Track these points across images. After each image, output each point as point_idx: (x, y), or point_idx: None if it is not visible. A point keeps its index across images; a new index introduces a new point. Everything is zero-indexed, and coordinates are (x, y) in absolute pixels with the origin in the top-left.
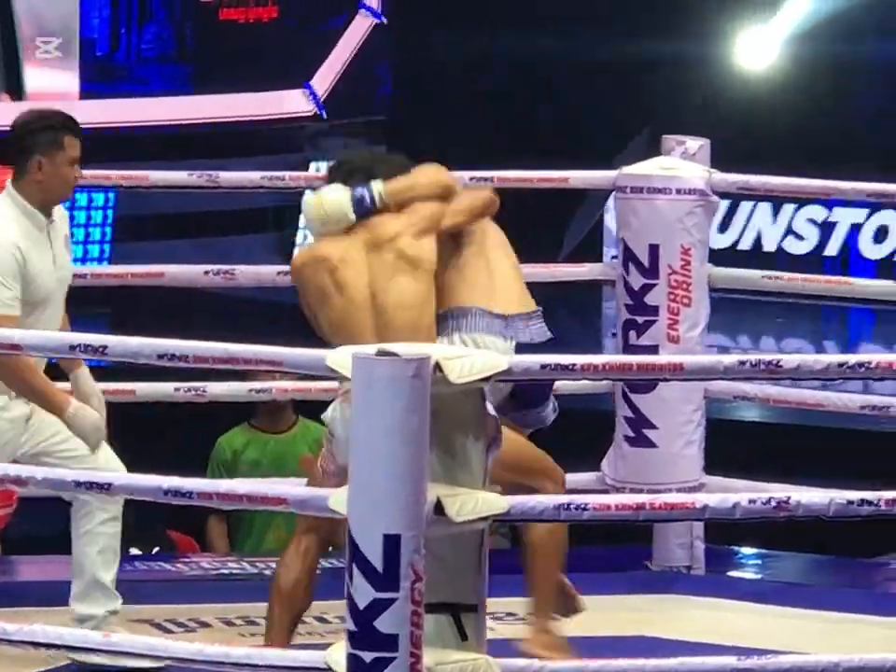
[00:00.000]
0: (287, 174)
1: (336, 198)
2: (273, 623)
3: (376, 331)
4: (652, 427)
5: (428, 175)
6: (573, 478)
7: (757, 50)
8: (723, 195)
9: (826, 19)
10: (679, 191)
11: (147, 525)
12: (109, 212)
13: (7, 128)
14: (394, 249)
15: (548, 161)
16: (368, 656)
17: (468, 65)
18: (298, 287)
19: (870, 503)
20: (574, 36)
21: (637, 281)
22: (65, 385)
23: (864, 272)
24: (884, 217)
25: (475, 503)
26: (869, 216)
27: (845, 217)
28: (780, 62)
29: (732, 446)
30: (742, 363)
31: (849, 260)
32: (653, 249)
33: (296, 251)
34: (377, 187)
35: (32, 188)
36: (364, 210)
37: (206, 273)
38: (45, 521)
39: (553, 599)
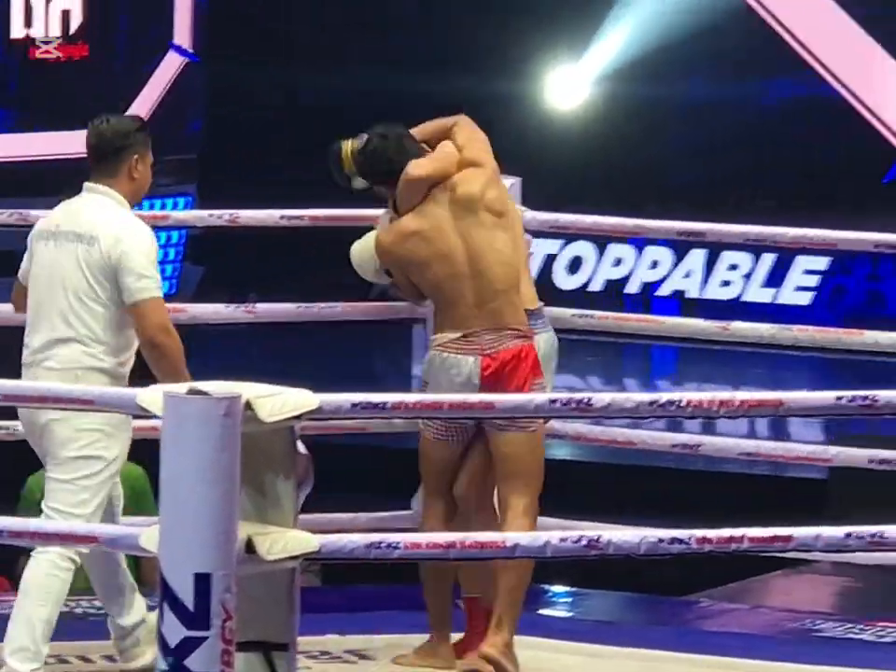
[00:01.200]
0: None
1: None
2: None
3: (477, 293)
4: None
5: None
6: (385, 516)
7: (567, 90)
8: (536, 234)
9: (635, 59)
10: None
11: None
12: None
13: None
14: (484, 207)
15: (359, 198)
16: None
17: (278, 103)
18: (390, 266)
19: (680, 541)
20: (385, 74)
21: None
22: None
23: (666, 310)
24: (692, 257)
25: (286, 541)
26: (677, 255)
27: (648, 256)
28: (590, 101)
29: (543, 484)
30: (553, 401)
31: (650, 299)
32: None
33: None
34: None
35: (125, 186)
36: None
37: None
38: None
39: (517, 614)
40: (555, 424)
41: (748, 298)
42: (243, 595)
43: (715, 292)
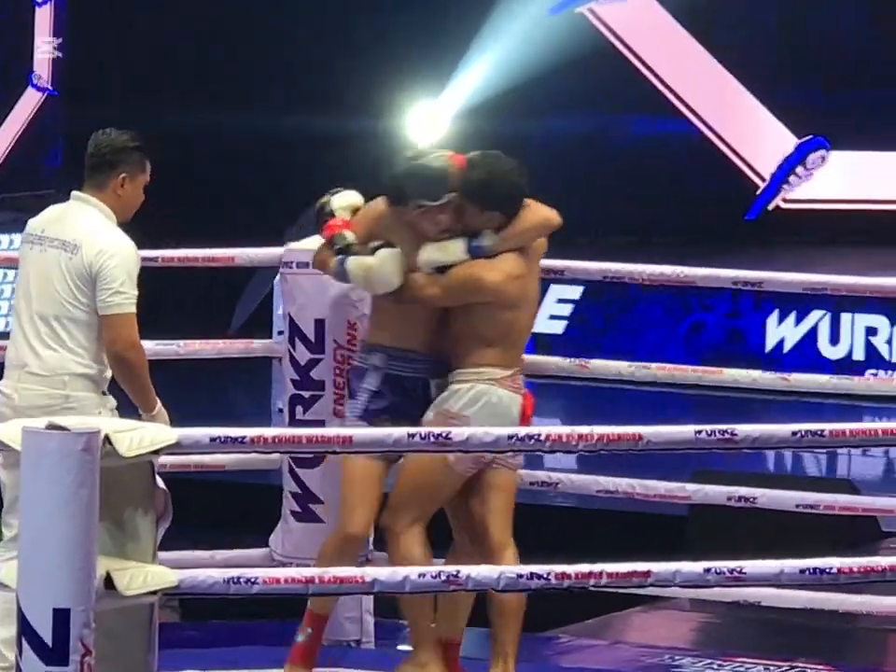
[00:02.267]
0: None
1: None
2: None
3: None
4: (319, 501)
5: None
6: (242, 553)
7: (427, 125)
8: None
9: (495, 95)
10: None
11: None
12: None
13: None
14: (538, 257)
15: (227, 236)
16: None
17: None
18: (475, 299)
19: (539, 577)
20: (241, 114)
21: (303, 356)
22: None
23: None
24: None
25: (145, 577)
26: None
27: None
28: (450, 137)
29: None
30: (412, 436)
31: None
32: (319, 324)
33: (476, 269)
34: (491, 240)
35: (111, 201)
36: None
37: None
38: None
39: (516, 651)
40: None
41: None
42: (102, 631)
43: None
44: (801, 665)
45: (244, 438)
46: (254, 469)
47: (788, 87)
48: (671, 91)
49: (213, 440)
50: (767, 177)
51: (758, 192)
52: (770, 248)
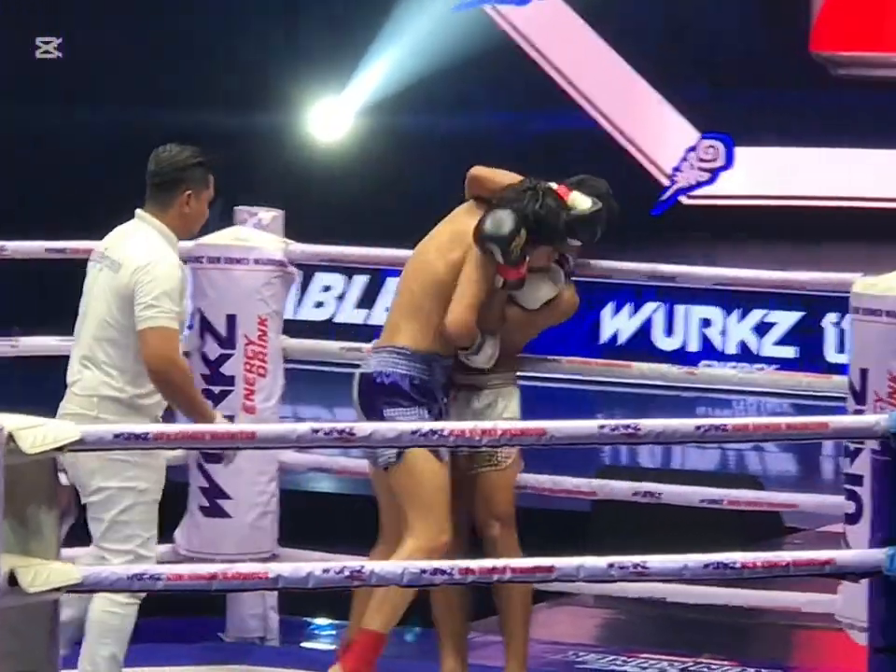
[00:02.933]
0: None
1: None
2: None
3: None
4: (227, 497)
5: None
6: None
7: (330, 122)
8: (300, 265)
9: (398, 90)
10: (257, 262)
11: None
12: None
13: None
14: None
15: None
16: None
17: (43, 137)
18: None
19: (443, 572)
20: (146, 110)
21: (213, 351)
22: None
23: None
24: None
25: (48, 573)
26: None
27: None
28: (353, 133)
29: (306, 517)
30: (315, 431)
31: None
32: (230, 319)
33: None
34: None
35: (174, 220)
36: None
37: None
38: None
39: (527, 645)
40: (320, 457)
41: (340, 319)
42: (5, 628)
43: (309, 313)
44: (705, 660)
45: (147, 434)
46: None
47: (687, 84)
48: (572, 86)
49: (116, 436)
50: (670, 173)
51: (663, 189)
52: (671, 244)
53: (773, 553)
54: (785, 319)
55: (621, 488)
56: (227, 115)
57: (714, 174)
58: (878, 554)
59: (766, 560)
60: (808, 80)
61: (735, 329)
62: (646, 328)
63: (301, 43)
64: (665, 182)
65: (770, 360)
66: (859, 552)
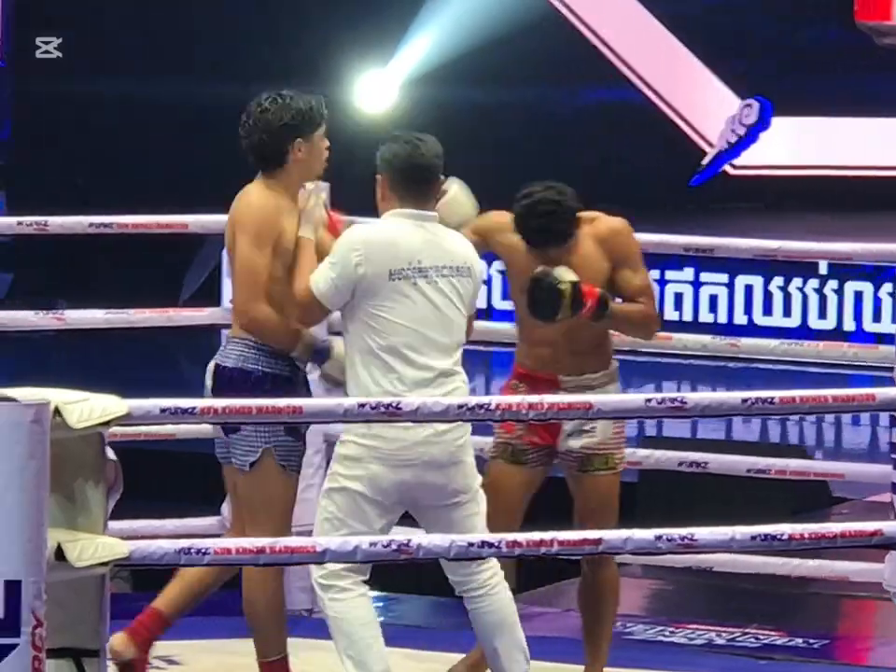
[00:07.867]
0: None
1: None
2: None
3: None
4: None
5: None
6: (194, 522)
7: (376, 94)
8: None
9: (443, 63)
10: None
11: None
12: None
13: None
14: None
15: (165, 204)
16: None
17: (87, 110)
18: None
19: (491, 545)
20: (190, 84)
21: None
22: None
23: None
24: None
25: (95, 548)
26: None
27: None
28: (399, 105)
29: None
30: (361, 406)
31: None
32: None
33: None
34: None
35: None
36: None
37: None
38: None
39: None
40: None
41: None
42: (53, 602)
43: None
44: (752, 630)
45: (193, 409)
46: (206, 438)
47: (732, 53)
48: (618, 57)
49: (163, 410)
50: (714, 142)
51: (705, 158)
52: (714, 215)
53: (820, 524)
54: (820, 288)
55: (667, 458)
56: (273, 88)
57: (752, 131)
58: None
59: (814, 532)
60: (852, 52)
61: (777, 299)
62: (692, 300)
63: (346, 15)
64: (709, 151)
65: (811, 332)
66: None
